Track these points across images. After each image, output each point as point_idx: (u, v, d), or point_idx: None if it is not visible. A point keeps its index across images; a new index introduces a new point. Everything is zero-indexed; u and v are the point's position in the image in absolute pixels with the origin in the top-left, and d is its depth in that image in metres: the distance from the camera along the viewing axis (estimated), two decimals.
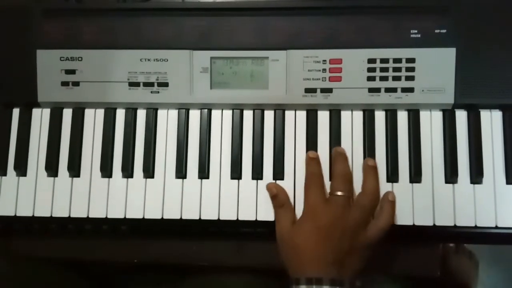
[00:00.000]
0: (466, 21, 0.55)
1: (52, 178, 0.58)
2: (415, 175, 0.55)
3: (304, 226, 0.51)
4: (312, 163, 0.55)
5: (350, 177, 0.53)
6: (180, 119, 0.58)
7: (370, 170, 0.54)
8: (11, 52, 0.58)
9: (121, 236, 0.59)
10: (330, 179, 0.55)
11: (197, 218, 0.56)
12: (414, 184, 0.55)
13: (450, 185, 0.55)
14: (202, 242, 0.59)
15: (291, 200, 0.55)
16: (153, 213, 0.56)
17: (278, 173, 0.56)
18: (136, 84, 0.57)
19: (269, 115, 0.58)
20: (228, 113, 0.58)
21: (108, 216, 0.56)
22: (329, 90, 0.56)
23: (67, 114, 0.59)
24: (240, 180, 0.57)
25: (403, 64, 0.55)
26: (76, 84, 0.58)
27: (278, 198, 0.54)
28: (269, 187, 0.55)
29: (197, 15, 0.57)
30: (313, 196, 0.52)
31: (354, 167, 0.56)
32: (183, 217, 0.56)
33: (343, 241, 0.49)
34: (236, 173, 0.56)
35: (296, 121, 0.58)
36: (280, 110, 0.58)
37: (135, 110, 0.59)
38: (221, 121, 0.58)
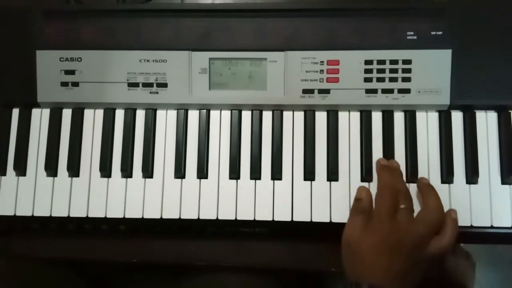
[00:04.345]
0: (461, 23, 0.56)
1: (51, 178, 0.58)
2: (411, 176, 0.56)
3: (372, 238, 0.49)
4: (384, 172, 0.53)
5: (408, 192, 0.52)
6: (179, 120, 0.59)
7: (427, 187, 0.53)
8: (11, 52, 0.59)
9: (120, 235, 0.59)
10: (329, 178, 0.56)
11: (196, 217, 0.56)
12: (411, 184, 0.55)
13: (446, 185, 0.56)
14: (201, 242, 0.59)
15: (289, 199, 0.56)
16: (152, 213, 0.57)
17: (276, 173, 0.57)
18: (135, 85, 0.58)
19: (267, 116, 0.58)
20: (226, 114, 0.59)
21: (107, 216, 0.57)
22: (327, 91, 0.57)
23: (67, 114, 0.59)
24: (238, 180, 0.57)
25: (400, 66, 0.56)
26: (75, 84, 0.58)
27: (361, 204, 0.52)
28: (358, 190, 0.53)
29: (196, 16, 0.57)
30: (385, 209, 0.50)
31: (352, 168, 0.56)
32: (182, 217, 0.56)
33: (407, 256, 0.48)
34: (234, 173, 0.57)
35: (294, 122, 0.58)
36: (278, 110, 0.58)
37: (134, 110, 0.59)
38: (220, 121, 0.59)
